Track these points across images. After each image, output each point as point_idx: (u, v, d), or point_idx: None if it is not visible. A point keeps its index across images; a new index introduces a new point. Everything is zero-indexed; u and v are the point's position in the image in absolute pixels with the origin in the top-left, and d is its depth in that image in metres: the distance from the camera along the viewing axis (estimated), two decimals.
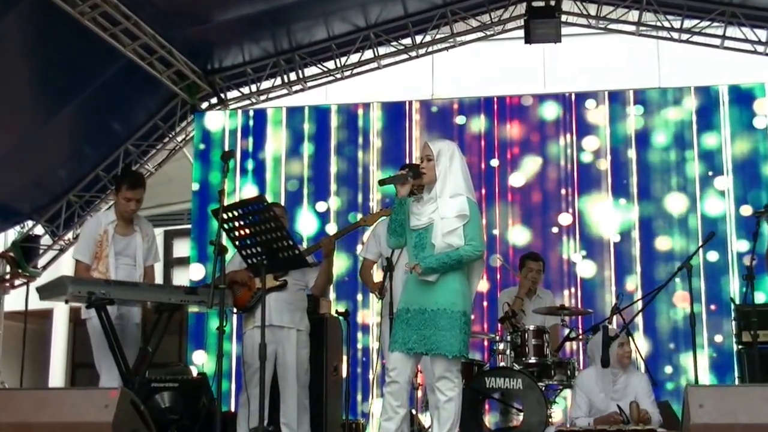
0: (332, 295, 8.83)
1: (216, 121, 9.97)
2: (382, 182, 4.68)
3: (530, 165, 9.33)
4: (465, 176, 4.59)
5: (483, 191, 9.23)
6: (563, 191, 9.18)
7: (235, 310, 5.89)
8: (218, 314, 4.74)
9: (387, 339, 4.92)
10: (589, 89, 9.79)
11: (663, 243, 8.92)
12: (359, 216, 6.34)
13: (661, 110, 9.21)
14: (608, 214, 9.06)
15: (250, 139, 9.82)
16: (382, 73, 10.34)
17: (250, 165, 9.78)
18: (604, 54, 12.22)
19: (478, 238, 4.53)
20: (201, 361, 9.20)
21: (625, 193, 9.10)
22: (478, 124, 9.48)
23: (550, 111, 9.42)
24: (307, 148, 9.72)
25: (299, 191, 9.63)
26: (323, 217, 9.50)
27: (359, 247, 7.64)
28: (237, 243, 4.95)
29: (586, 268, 9.01)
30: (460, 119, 9.53)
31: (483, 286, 8.99)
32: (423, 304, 4.53)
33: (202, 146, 9.90)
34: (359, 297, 9.26)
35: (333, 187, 9.59)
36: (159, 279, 5.90)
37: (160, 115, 10.06)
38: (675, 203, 9.00)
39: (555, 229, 9.12)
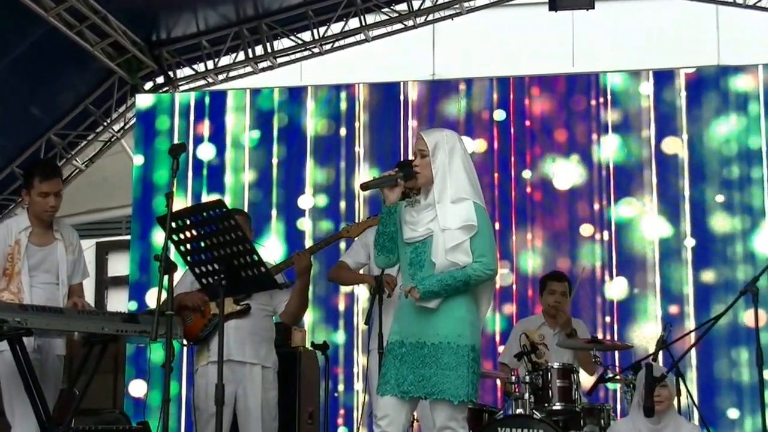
0: (307, 322, 8.85)
1: (163, 106, 9.96)
2: (365, 186, 4.67)
3: (555, 162, 9.37)
4: (470, 175, 4.59)
5: (495, 194, 9.26)
6: (595, 198, 9.23)
7: (184, 341, 5.89)
8: (164, 347, 4.73)
9: (375, 379, 4.91)
10: (629, 67, 9.82)
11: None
12: (342, 226, 6.36)
13: (721, 94, 9.25)
14: (651, 225, 9.11)
15: (206, 129, 9.84)
16: (371, 48, 10.38)
17: (205, 161, 9.80)
18: (646, 24, 12.27)
19: (489, 254, 4.53)
20: (140, 392, 9.16)
21: (672, 199, 9.14)
22: (490, 110, 9.53)
23: (580, 94, 9.48)
24: (277, 141, 9.75)
25: (266, 195, 9.64)
26: (296, 228, 9.53)
27: None
28: (189, 258, 4.95)
29: (621, 290, 9.06)
30: (466, 104, 9.59)
31: (494, 311, 8.99)
32: (421, 336, 4.52)
33: (144, 137, 9.88)
34: (340, 324, 9.29)
35: (309, 189, 9.61)
36: (89, 302, 5.86)
37: (92, 97, 10.06)
38: None
39: (584, 243, 9.16)
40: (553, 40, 12.06)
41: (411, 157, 4.99)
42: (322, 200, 9.57)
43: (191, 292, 5.76)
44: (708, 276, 8.96)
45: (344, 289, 9.13)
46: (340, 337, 9.26)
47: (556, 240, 9.20)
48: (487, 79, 9.71)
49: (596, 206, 9.19)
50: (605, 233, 9.13)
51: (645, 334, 8.85)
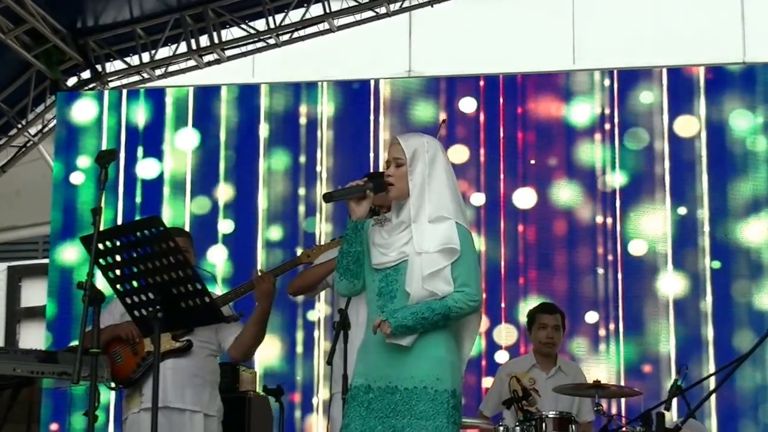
0: (258, 362, 8.87)
1: (89, 105, 9.95)
2: (329, 196, 4.67)
3: (552, 174, 9.45)
4: (453, 190, 4.59)
5: (481, 214, 9.31)
6: (599, 218, 9.33)
7: (113, 384, 5.87)
8: (89, 392, 4.71)
9: (338, 427, 4.89)
10: (640, 64, 9.93)
11: (745, 288, 9.10)
12: (299, 251, 6.37)
13: (746, 95, 9.39)
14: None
15: (141, 134, 9.84)
16: (337, 40, 10.40)
17: (139, 172, 9.79)
18: (660, 15, 12.33)
19: (473, 283, 4.52)
20: None
21: (689, 215, 9.26)
22: (476, 113, 9.60)
23: (582, 95, 9.58)
24: (225, 149, 9.77)
25: (212, 213, 9.69)
26: (247, 251, 9.56)
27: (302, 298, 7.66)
28: (119, 287, 4.92)
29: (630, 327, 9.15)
30: (447, 108, 9.65)
31: (478, 350, 9.02)
32: (392, 379, 4.51)
33: (66, 143, 9.87)
34: (297, 364, 9.30)
35: (262, 204, 9.64)
36: None
37: (3, 95, 10.04)
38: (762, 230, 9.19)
39: (586, 271, 9.25)
40: (551, 32, 12.09)
41: (383, 167, 4.99)
42: (278, 217, 9.65)
43: (122, 324, 5.73)
44: None
45: (301, 320, 9.21)
46: (297, 379, 9.28)
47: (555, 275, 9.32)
48: (473, 77, 9.76)
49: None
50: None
51: None
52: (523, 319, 8.16)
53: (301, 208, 9.67)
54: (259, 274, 5.87)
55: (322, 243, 6.81)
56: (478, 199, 9.42)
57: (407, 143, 4.63)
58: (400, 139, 4.67)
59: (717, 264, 9.12)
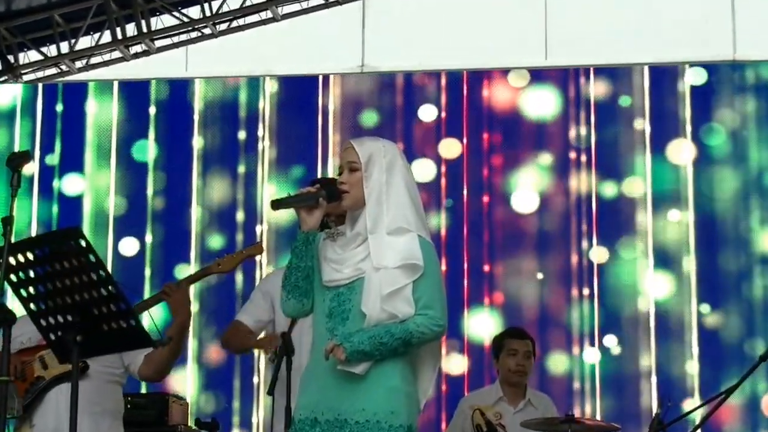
0: (190, 392, 8.85)
1: (0, 99, 9.96)
2: (278, 204, 4.64)
3: (521, 181, 9.53)
4: (414, 199, 4.58)
5: (442, 222, 9.35)
6: (574, 228, 9.44)
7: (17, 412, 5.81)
8: None
9: None
10: (617, 61, 10.02)
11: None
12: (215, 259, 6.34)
13: (736, 97, 9.55)
14: (645, 267, 9.32)
15: (58, 133, 9.86)
16: (281, 30, 10.41)
17: (57, 177, 9.80)
18: (638, 9, 12.40)
19: (437, 305, 4.50)
20: None
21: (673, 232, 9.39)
22: (436, 113, 9.66)
23: (552, 95, 9.65)
24: (154, 151, 9.79)
25: (139, 218, 9.70)
26: (181, 261, 9.59)
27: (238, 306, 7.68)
28: (32, 306, 4.85)
29: (608, 354, 9.24)
30: (405, 106, 9.70)
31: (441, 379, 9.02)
32: (341, 411, 4.48)
33: None
34: (235, 394, 9.28)
35: (196, 214, 9.66)
36: None
37: None
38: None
39: (558, 289, 9.35)
40: (521, 24, 12.13)
41: (333, 173, 4.97)
42: (214, 226, 9.67)
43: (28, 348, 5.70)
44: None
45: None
46: (234, 411, 9.27)
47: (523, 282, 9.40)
48: (434, 73, 9.83)
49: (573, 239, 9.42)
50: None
51: None
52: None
53: (240, 215, 9.69)
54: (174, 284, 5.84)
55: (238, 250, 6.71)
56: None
57: (362, 147, 4.62)
58: (353, 142, 4.64)
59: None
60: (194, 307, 9.25)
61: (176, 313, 5.75)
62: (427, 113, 9.74)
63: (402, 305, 4.47)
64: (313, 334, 4.64)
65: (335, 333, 4.52)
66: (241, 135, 9.78)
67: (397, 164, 4.62)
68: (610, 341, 9.26)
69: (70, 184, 9.83)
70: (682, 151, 9.47)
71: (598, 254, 9.38)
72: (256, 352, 9.21)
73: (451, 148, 9.64)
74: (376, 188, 4.57)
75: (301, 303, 4.65)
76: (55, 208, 9.79)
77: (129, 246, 9.75)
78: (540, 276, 9.39)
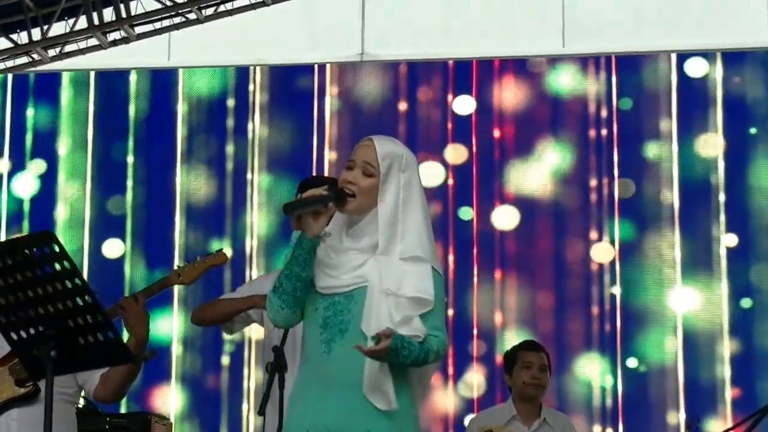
0: (174, 410, 8.89)
1: None
2: (291, 209, 4.59)
3: (534, 179, 9.56)
4: (428, 224, 4.58)
5: (450, 231, 9.39)
6: (593, 234, 9.48)
7: None
8: None
9: None
10: (640, 48, 10.00)
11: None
12: (175, 266, 6.32)
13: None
14: (670, 272, 9.38)
15: (30, 128, 9.90)
16: (273, 14, 10.37)
17: (30, 173, 9.85)
18: None
19: (444, 329, 4.51)
20: None
21: (702, 233, 9.41)
22: (442, 104, 9.67)
23: (571, 82, 9.68)
24: (134, 144, 9.81)
25: (117, 223, 9.71)
26: (160, 270, 9.44)
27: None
28: (1, 318, 4.81)
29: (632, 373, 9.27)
30: (409, 98, 9.69)
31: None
32: (342, 427, 4.53)
33: None
34: (223, 416, 9.27)
35: (179, 214, 9.69)
36: None
37: None
38: None
39: (574, 301, 9.40)
40: (536, 8, 12.13)
41: (328, 172, 4.92)
42: (199, 229, 9.68)
43: None
44: None
45: (226, 360, 9.28)
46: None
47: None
48: (440, 61, 9.82)
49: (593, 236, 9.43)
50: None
51: None
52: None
53: (226, 217, 9.72)
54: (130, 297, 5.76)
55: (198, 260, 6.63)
56: None
57: (383, 147, 4.55)
58: (375, 141, 4.57)
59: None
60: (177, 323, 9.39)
61: (133, 331, 5.71)
62: (435, 105, 9.72)
63: (414, 331, 4.41)
64: (303, 345, 4.58)
65: (332, 345, 4.48)
66: (229, 130, 9.80)
67: (414, 181, 4.57)
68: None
69: (41, 174, 9.89)
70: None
71: None
72: (245, 370, 9.26)
73: (457, 150, 9.66)
74: (391, 205, 4.53)
75: (295, 314, 4.59)
76: (27, 207, 9.84)
77: (112, 248, 9.78)
78: None
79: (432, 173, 9.58)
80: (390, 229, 4.50)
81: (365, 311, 4.44)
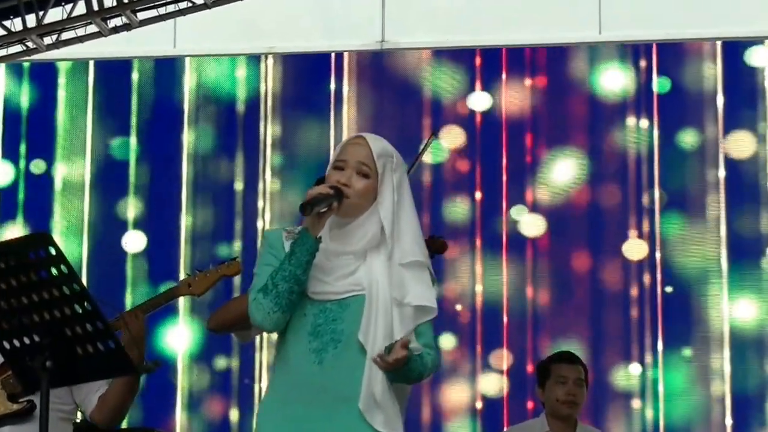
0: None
1: None
2: (310, 208, 4.55)
3: (568, 173, 9.60)
4: (419, 224, 4.60)
5: (477, 224, 9.41)
6: (633, 231, 9.50)
7: None
8: None
9: None
10: (683, 35, 9.99)
11: None
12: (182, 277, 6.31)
13: None
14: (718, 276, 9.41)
15: (24, 121, 9.93)
16: (286, 0, 10.40)
17: (23, 169, 9.85)
18: None
19: (435, 347, 4.55)
20: None
21: (752, 238, 9.46)
22: (469, 95, 9.71)
23: (610, 74, 9.71)
24: (138, 139, 9.83)
25: (116, 223, 9.73)
26: (164, 275, 9.44)
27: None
28: None
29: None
30: (433, 89, 9.68)
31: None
32: None
33: None
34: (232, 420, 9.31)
35: (186, 219, 9.68)
36: None
37: None
38: None
39: (613, 309, 9.39)
40: None
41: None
42: (204, 226, 9.71)
43: None
44: None
45: (237, 377, 9.26)
46: None
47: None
48: (466, 50, 9.84)
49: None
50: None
51: None
52: None
53: (237, 217, 9.75)
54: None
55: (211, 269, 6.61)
56: None
57: (377, 146, 4.55)
58: (368, 139, 4.56)
59: None
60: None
61: (131, 348, 5.68)
62: (459, 97, 9.73)
63: (415, 341, 4.42)
64: (284, 353, 4.56)
65: (323, 355, 4.45)
66: (239, 123, 9.82)
67: (405, 183, 4.60)
68: None
69: (38, 172, 9.93)
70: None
71: None
72: (257, 387, 9.29)
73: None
74: (389, 210, 4.53)
75: (286, 319, 4.54)
76: (20, 207, 9.87)
77: (112, 248, 9.80)
78: None
79: None
80: (389, 233, 4.52)
81: (363, 321, 4.43)
